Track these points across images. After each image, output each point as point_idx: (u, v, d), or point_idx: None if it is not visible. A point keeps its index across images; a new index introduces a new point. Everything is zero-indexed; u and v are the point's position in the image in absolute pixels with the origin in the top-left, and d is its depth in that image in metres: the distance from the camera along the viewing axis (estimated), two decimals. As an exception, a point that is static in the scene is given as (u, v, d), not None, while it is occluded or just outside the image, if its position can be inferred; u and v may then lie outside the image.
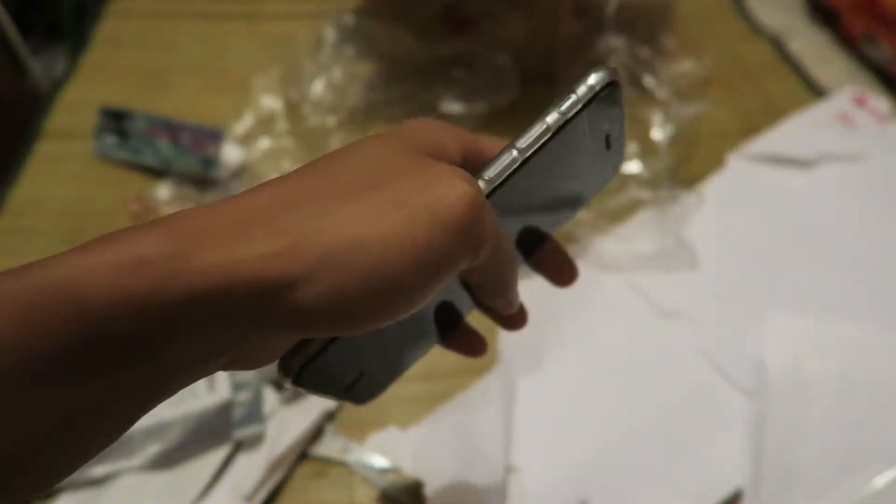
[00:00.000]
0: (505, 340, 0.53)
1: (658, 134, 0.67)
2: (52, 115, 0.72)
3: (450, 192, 0.21)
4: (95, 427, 0.19)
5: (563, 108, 0.25)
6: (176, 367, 0.19)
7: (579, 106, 0.25)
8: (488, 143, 0.28)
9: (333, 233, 0.19)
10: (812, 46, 0.81)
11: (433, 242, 0.20)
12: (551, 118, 0.25)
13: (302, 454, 0.48)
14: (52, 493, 0.45)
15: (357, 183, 0.21)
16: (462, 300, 0.30)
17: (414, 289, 0.20)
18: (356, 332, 0.21)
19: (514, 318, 0.33)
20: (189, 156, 0.64)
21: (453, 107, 0.69)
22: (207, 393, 0.48)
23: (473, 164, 0.26)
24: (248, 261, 0.19)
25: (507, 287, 0.26)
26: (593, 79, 0.26)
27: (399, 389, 0.53)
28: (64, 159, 0.68)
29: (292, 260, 0.19)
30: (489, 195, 0.25)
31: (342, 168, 0.22)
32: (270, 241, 0.19)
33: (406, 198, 0.21)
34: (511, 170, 0.25)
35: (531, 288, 0.37)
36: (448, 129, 0.26)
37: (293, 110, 0.70)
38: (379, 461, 0.47)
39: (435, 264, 0.21)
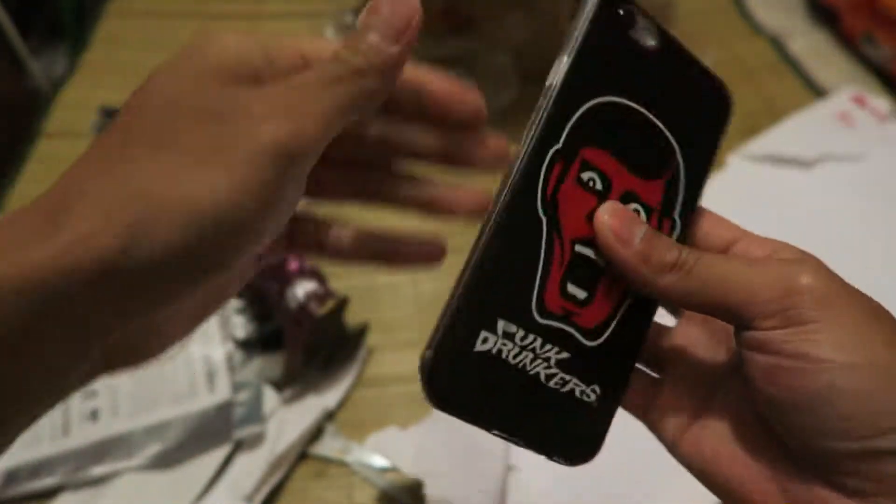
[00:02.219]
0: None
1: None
2: (52, 115, 0.72)
3: (252, 141, 0.20)
4: None
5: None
6: (27, 378, 0.19)
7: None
8: (305, 44, 0.24)
9: (142, 195, 0.19)
10: (812, 46, 0.81)
11: (251, 183, 0.20)
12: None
13: (302, 454, 0.48)
14: (52, 493, 0.45)
15: (157, 135, 0.20)
16: None
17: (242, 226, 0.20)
18: (213, 275, 0.20)
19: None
20: (189, 156, 0.64)
21: (453, 107, 0.69)
22: (207, 393, 0.48)
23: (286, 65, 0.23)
24: (53, 254, 0.18)
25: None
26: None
27: (399, 389, 0.53)
28: (64, 159, 0.67)
29: (108, 234, 0.19)
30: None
31: (141, 121, 0.21)
32: (80, 223, 0.19)
33: (202, 154, 0.20)
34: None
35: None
36: (250, 41, 0.23)
37: (293, 110, 0.70)
38: (379, 461, 0.47)
39: (260, 197, 0.20)
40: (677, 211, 0.25)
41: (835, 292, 0.23)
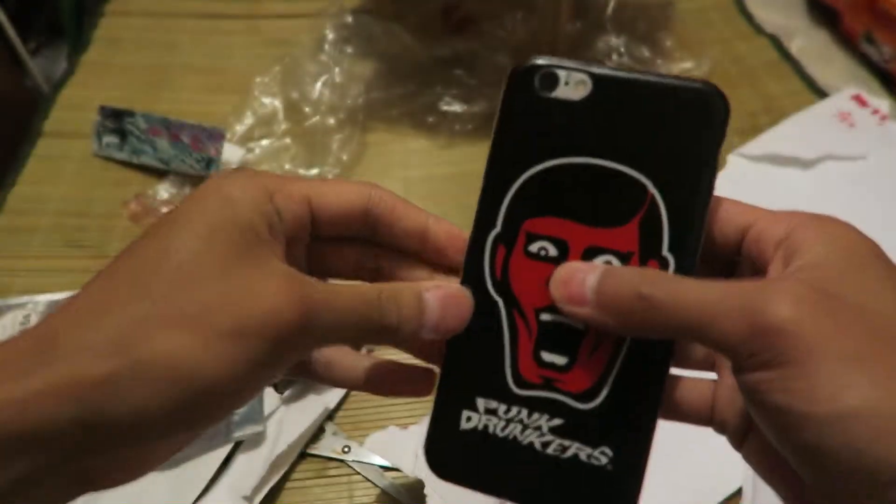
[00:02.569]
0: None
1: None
2: (52, 115, 0.72)
3: (263, 304, 0.20)
4: None
5: None
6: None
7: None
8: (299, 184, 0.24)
9: (141, 347, 0.19)
10: (812, 46, 0.81)
11: (237, 361, 0.20)
12: None
13: (302, 454, 0.48)
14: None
15: (163, 290, 0.20)
16: None
17: (224, 397, 0.20)
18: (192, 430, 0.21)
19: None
20: (189, 156, 0.64)
21: (453, 107, 0.69)
22: (207, 393, 0.48)
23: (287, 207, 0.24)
24: (35, 392, 0.18)
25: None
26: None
27: (399, 389, 0.53)
28: (64, 159, 0.68)
29: (87, 382, 0.18)
30: None
31: (148, 271, 0.21)
32: (62, 364, 0.19)
33: (213, 312, 0.20)
34: None
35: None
36: (258, 189, 0.23)
37: (293, 110, 0.70)
38: (379, 461, 0.47)
39: (244, 377, 0.20)
40: (666, 247, 0.23)
41: (813, 321, 0.19)
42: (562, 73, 0.24)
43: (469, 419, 0.24)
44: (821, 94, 0.74)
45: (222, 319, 0.20)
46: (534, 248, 0.24)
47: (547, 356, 0.24)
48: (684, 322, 0.21)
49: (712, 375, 0.26)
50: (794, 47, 0.80)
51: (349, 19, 0.74)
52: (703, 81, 0.24)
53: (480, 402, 0.24)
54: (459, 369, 0.24)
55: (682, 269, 0.23)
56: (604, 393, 0.24)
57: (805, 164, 0.66)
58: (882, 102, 0.71)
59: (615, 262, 0.23)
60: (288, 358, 0.21)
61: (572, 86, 0.24)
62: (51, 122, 0.72)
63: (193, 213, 0.22)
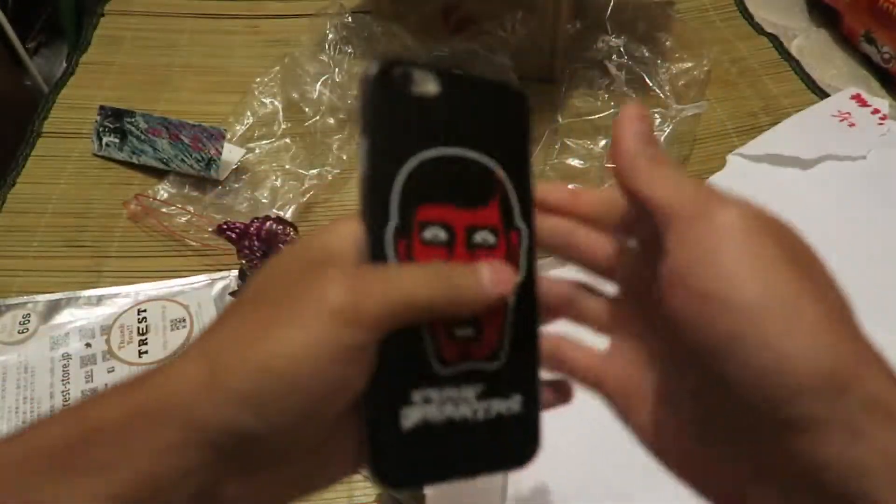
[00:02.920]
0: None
1: (658, 134, 0.67)
2: (52, 114, 0.72)
3: (313, 292, 0.22)
4: None
5: None
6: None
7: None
8: None
9: (222, 355, 0.22)
10: (812, 46, 0.81)
11: (305, 347, 0.21)
12: None
13: (302, 454, 0.48)
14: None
15: (247, 305, 0.23)
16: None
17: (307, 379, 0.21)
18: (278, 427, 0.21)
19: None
20: (189, 156, 0.64)
21: (453, 107, 0.69)
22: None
23: None
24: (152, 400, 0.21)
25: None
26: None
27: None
28: (64, 159, 0.68)
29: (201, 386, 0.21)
30: None
31: (245, 296, 0.24)
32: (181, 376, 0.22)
33: (277, 309, 0.22)
34: None
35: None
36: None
37: (293, 110, 0.70)
38: (379, 461, 0.47)
39: (315, 363, 0.21)
40: (518, 218, 0.27)
41: (750, 226, 0.22)
42: (416, 73, 0.25)
43: (408, 416, 0.24)
44: (821, 94, 0.74)
45: (281, 313, 0.22)
46: (428, 234, 0.25)
47: (459, 331, 0.25)
48: (653, 196, 0.24)
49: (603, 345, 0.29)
50: (794, 47, 0.80)
51: (349, 19, 0.74)
52: (507, 80, 0.26)
53: (416, 394, 0.24)
54: (386, 371, 0.24)
55: (530, 232, 0.27)
56: (504, 349, 0.26)
57: (805, 164, 0.66)
58: (882, 102, 0.71)
59: (491, 237, 0.26)
60: (357, 339, 0.22)
61: (427, 83, 0.25)
62: (51, 122, 0.72)
63: (296, 243, 0.25)
